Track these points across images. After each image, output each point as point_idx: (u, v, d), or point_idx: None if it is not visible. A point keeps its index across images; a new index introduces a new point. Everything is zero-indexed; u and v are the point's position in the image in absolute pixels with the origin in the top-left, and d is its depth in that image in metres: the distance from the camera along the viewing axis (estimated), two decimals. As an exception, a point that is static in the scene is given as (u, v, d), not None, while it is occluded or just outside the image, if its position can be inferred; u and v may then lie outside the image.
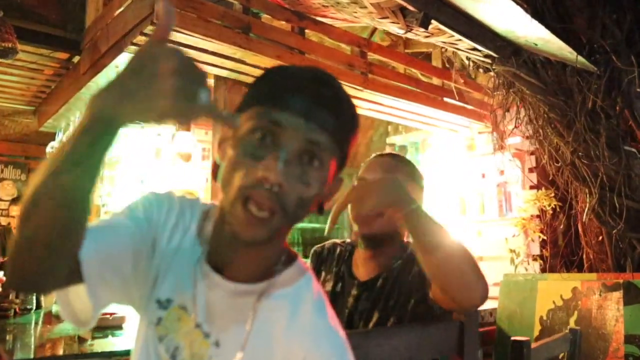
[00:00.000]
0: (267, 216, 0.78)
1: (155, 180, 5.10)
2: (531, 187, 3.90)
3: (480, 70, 2.90)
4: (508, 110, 3.02)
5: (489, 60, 2.64)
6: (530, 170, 3.90)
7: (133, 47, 2.76)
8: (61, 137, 4.39)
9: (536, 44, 2.29)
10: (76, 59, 3.65)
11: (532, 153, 3.89)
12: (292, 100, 0.80)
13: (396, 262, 1.55)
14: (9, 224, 4.57)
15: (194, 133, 2.41)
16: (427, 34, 2.47)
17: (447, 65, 3.85)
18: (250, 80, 3.22)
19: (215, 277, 0.87)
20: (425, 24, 2.24)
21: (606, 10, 2.36)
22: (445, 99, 3.83)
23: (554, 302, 2.87)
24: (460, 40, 2.52)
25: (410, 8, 2.25)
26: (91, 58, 3.32)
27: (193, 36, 2.63)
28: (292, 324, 0.86)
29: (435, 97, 3.77)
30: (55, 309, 2.80)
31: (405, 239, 1.65)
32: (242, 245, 0.84)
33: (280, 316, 0.86)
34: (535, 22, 1.97)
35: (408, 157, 4.72)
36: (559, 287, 2.88)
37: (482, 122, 4.13)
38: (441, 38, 2.55)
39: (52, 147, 4.50)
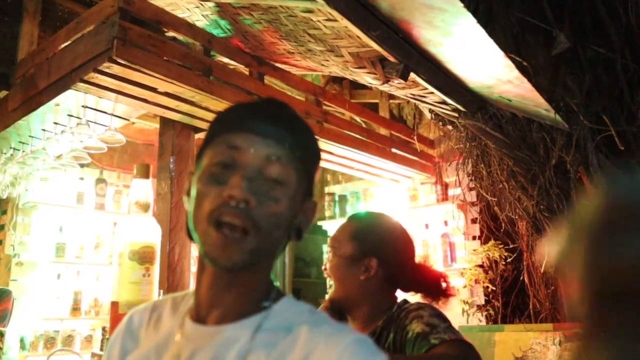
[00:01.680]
0: (240, 236, 0.77)
1: (75, 228, 4.71)
2: (473, 238, 3.98)
3: (440, 123, 2.93)
4: (464, 163, 3.06)
5: (455, 114, 2.67)
6: (473, 221, 3.98)
7: (82, 85, 2.54)
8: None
9: (510, 100, 2.35)
10: (3, 93, 3.31)
11: (473, 204, 3.99)
12: (246, 123, 0.82)
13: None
14: None
15: (152, 182, 2.22)
16: (403, 86, 2.47)
17: (396, 116, 3.91)
18: (202, 124, 3.07)
19: (198, 329, 0.83)
20: (404, 76, 2.23)
21: (567, 71, 2.47)
22: (393, 150, 3.86)
23: (513, 355, 2.87)
24: (431, 93, 2.53)
25: (391, 59, 2.23)
26: (24, 94, 3.02)
27: (153, 76, 2.47)
28: (295, 347, 0.78)
29: (384, 147, 3.78)
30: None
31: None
32: (224, 278, 0.82)
33: (279, 342, 0.79)
34: (521, 78, 2.01)
35: (348, 207, 4.72)
36: (517, 338, 2.89)
37: (425, 173, 4.19)
38: (412, 90, 2.56)
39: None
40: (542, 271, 2.93)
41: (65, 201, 4.60)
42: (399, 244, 1.61)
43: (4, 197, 3.88)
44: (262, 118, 0.82)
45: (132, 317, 0.94)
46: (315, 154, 0.90)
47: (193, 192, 0.83)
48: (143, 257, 2.09)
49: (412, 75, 2.30)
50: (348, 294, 1.54)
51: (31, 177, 3.72)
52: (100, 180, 4.82)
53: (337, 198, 4.71)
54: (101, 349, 2.69)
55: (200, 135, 3.28)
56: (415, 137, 4.14)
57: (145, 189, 2.21)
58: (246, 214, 0.77)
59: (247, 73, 2.94)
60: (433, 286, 1.61)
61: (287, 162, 0.81)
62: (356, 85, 4.31)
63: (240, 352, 0.78)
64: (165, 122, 3.12)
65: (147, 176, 2.23)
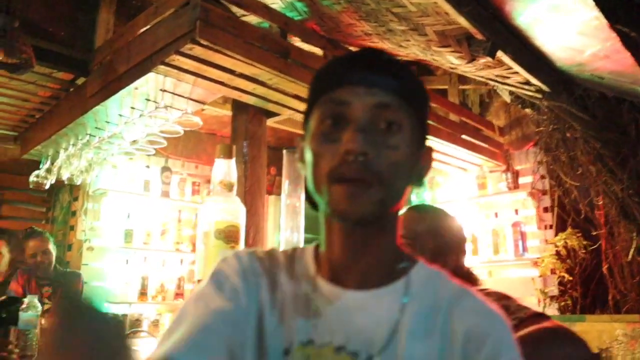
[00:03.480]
0: (364, 188, 0.74)
1: (142, 215, 4.82)
2: (546, 227, 3.86)
3: (520, 106, 2.84)
4: (556, 149, 2.94)
5: (538, 95, 2.58)
6: (546, 209, 3.86)
7: (163, 67, 2.57)
8: (48, 166, 4.07)
9: (602, 78, 2.24)
10: (80, 80, 3.40)
11: (544, 193, 3.86)
12: (348, 75, 0.79)
13: None
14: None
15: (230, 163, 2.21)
16: (485, 66, 2.39)
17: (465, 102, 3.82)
18: (276, 108, 3.07)
19: (339, 291, 0.80)
20: (492, 54, 2.16)
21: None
22: (463, 136, 3.77)
23: (597, 346, 2.76)
24: (514, 73, 2.45)
25: (478, 37, 2.16)
26: (102, 80, 3.08)
27: (233, 57, 2.47)
28: (441, 312, 0.78)
29: (454, 133, 3.70)
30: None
31: None
32: (354, 236, 0.79)
33: (423, 310, 0.78)
34: (623, 52, 1.91)
35: (413, 196, 4.65)
36: (601, 329, 2.78)
37: (494, 160, 4.09)
38: (495, 71, 2.48)
39: (36, 176, 4.16)
40: (628, 259, 2.79)
41: (132, 188, 4.71)
42: (464, 242, 1.66)
43: (78, 183, 3.98)
44: (364, 67, 0.79)
45: (240, 258, 0.86)
46: (424, 96, 0.85)
47: (308, 156, 0.80)
48: (229, 236, 2.09)
49: (498, 54, 2.22)
50: None
51: (105, 163, 3.80)
52: (165, 169, 4.91)
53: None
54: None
55: (274, 120, 3.29)
56: (482, 124, 4.04)
57: (228, 168, 2.21)
58: (366, 167, 0.74)
59: (321, 55, 2.92)
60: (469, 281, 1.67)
61: (397, 108, 0.77)
62: (424, 71, 4.23)
63: (391, 320, 0.77)
64: (238, 107, 3.14)
65: (230, 156, 2.23)
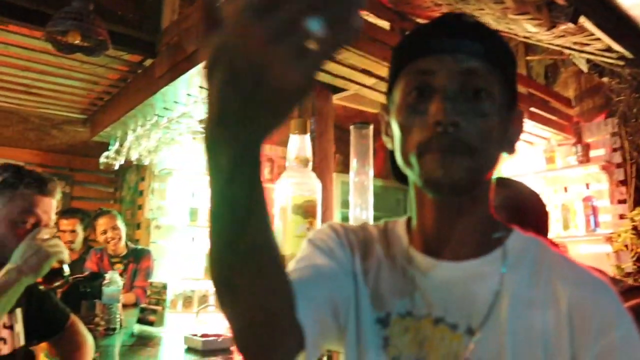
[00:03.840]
0: (455, 157, 0.72)
1: (206, 194, 4.89)
2: (619, 202, 3.72)
3: (597, 75, 2.72)
4: (636, 119, 2.82)
5: (620, 62, 2.47)
6: (619, 183, 3.72)
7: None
8: (117, 147, 4.19)
9: (693, 42, 2.12)
10: (148, 62, 3.46)
11: (618, 166, 3.72)
12: (430, 43, 0.76)
13: None
14: (57, 236, 4.34)
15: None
16: (560, 34, 2.30)
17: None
18: (342, 83, 3.05)
19: (434, 262, 0.79)
20: (574, 19, 2.07)
21: None
22: (532, 109, 3.66)
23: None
24: (596, 40, 2.34)
25: (560, 2, 2.07)
26: (170, 60, 3.13)
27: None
28: (542, 280, 0.75)
29: (521, 106, 3.59)
30: (136, 328, 2.61)
31: None
32: (448, 206, 0.77)
33: (523, 280, 0.76)
34: None
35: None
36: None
37: (563, 133, 3.96)
38: (574, 38, 2.38)
39: (106, 157, 4.29)
40: None
41: (197, 168, 4.80)
42: (547, 218, 1.58)
43: (146, 163, 4.09)
44: (447, 34, 0.76)
45: (335, 229, 0.89)
46: (511, 58, 0.81)
47: (395, 129, 0.79)
48: (306, 211, 2.10)
49: (580, 20, 2.13)
50: None
51: (172, 143, 3.88)
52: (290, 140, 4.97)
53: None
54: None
55: (339, 96, 3.27)
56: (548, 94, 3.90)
57: (303, 144, 2.21)
58: (456, 136, 0.72)
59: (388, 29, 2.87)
60: None
61: (484, 73, 0.74)
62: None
63: (491, 290, 0.75)
64: (303, 83, 3.14)
65: (304, 131, 2.23)
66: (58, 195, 1.66)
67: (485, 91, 0.74)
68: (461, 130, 0.72)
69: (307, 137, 2.24)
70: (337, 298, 0.80)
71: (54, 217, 1.66)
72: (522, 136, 2.89)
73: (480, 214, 0.80)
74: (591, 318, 0.69)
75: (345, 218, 3.05)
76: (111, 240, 3.83)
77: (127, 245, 3.97)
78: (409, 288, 0.80)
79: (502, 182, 1.66)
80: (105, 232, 3.85)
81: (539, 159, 4.12)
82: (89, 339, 1.86)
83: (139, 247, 4.26)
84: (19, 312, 1.67)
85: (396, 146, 0.79)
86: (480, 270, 0.77)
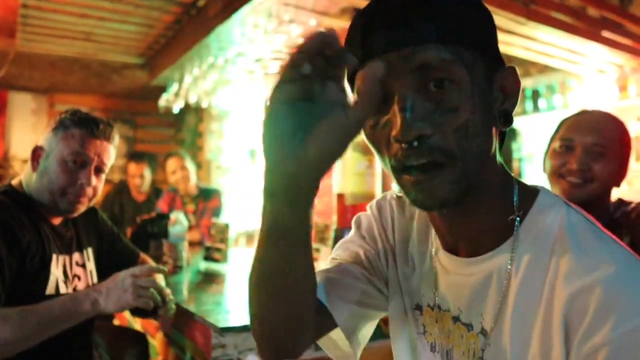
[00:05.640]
0: (435, 172, 0.63)
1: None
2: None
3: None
4: None
5: None
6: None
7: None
8: (176, 89, 4.24)
9: None
10: (201, 1, 3.43)
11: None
12: (371, 44, 0.64)
13: None
14: (125, 180, 4.52)
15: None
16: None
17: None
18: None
19: (451, 259, 0.75)
20: None
21: None
22: (604, 33, 3.41)
23: None
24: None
25: None
26: (224, -1, 3.09)
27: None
28: (549, 275, 0.64)
29: (594, 30, 3.36)
30: (202, 266, 2.70)
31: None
32: (450, 213, 0.70)
33: (529, 275, 0.66)
34: None
35: (542, 101, 4.37)
36: None
37: (639, 58, 3.69)
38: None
39: (166, 100, 4.37)
40: None
41: (252, 107, 4.82)
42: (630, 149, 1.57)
43: (205, 105, 4.14)
44: (385, 24, 0.63)
45: (381, 207, 0.90)
46: (477, 17, 0.67)
47: (368, 143, 0.70)
48: (366, 148, 2.06)
49: None
50: (607, 198, 1.52)
51: (229, 83, 3.89)
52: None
53: (528, 93, 4.37)
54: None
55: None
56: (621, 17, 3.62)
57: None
58: (428, 148, 0.62)
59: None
60: None
61: (442, 60, 0.62)
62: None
63: (498, 291, 0.69)
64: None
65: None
66: (114, 141, 1.66)
67: (447, 80, 0.63)
68: (432, 138, 0.62)
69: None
70: (375, 282, 0.85)
71: (110, 162, 1.66)
72: (592, 63, 2.70)
73: (488, 205, 0.70)
74: (585, 314, 0.58)
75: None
76: (181, 181, 3.94)
77: (198, 185, 4.09)
78: (433, 282, 0.78)
79: (607, 114, 1.58)
80: (174, 172, 3.97)
81: (611, 88, 3.88)
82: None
83: (209, 187, 4.37)
84: (90, 251, 1.76)
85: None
86: (490, 267, 0.70)
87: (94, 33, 3.99)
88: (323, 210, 5.02)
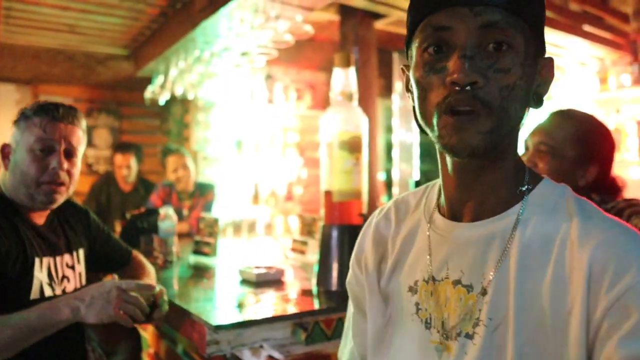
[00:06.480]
0: (473, 119, 0.69)
1: (250, 124, 4.97)
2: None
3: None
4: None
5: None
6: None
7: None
8: (161, 81, 4.24)
9: None
10: (188, -5, 3.43)
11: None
12: None
13: None
14: (111, 171, 4.52)
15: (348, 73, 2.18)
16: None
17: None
18: (383, 9, 2.97)
19: (452, 225, 0.80)
20: None
21: None
22: (585, 27, 3.49)
23: None
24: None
25: None
26: (210, -7, 3.10)
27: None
28: (557, 241, 0.71)
29: (574, 24, 3.42)
30: (192, 259, 2.73)
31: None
32: (469, 167, 0.76)
33: (535, 239, 0.73)
34: None
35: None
36: None
37: (619, 51, 3.77)
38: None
39: (152, 92, 4.36)
40: None
41: (238, 98, 4.84)
42: (613, 151, 1.56)
43: (191, 97, 4.14)
44: None
45: (378, 222, 0.94)
46: (538, 3, 0.74)
47: (414, 87, 0.76)
48: (352, 147, 2.10)
49: None
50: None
51: (214, 76, 3.90)
52: (268, 77, 4.98)
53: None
54: (303, 234, 2.86)
55: (381, 22, 3.19)
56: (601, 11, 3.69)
57: (347, 78, 2.18)
58: (475, 96, 0.69)
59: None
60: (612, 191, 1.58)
61: (506, 24, 0.69)
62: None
63: (501, 249, 0.74)
64: (345, 11, 3.07)
65: (348, 65, 2.20)
66: (80, 124, 1.62)
67: (506, 44, 0.70)
68: (480, 90, 0.69)
69: (351, 71, 2.21)
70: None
71: (80, 145, 1.63)
72: (574, 57, 2.76)
73: (503, 172, 0.77)
74: (606, 273, 0.65)
75: (388, 143, 3.04)
76: (182, 179, 3.95)
77: (194, 181, 4.10)
78: (430, 253, 0.82)
79: (567, 114, 1.60)
80: (175, 170, 3.97)
81: (591, 81, 3.96)
82: (151, 268, 1.97)
83: (205, 182, 4.38)
84: (81, 252, 1.75)
85: (415, 104, 0.78)
86: (493, 229, 0.76)
87: (78, 25, 3.97)
88: (309, 200, 5.09)
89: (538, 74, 0.75)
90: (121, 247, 1.95)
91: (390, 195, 2.94)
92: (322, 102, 5.47)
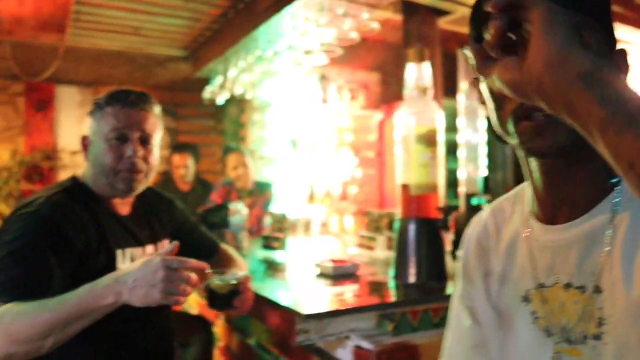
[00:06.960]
0: (550, 121, 0.68)
1: (305, 124, 5.00)
2: None
3: None
4: None
5: None
6: None
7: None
8: (220, 81, 4.31)
9: None
10: (249, -4, 3.49)
11: None
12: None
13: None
14: (169, 171, 4.62)
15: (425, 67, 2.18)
16: None
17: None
18: (447, 5, 2.95)
19: (550, 230, 0.80)
20: None
21: None
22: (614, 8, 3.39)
23: None
24: None
25: None
26: (275, -7, 3.14)
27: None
28: None
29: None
30: (261, 254, 2.78)
31: None
32: (555, 167, 0.75)
33: (634, 228, 0.71)
34: None
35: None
36: None
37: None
38: None
39: (211, 92, 4.45)
40: None
41: (293, 98, 4.88)
42: None
43: (250, 97, 4.21)
44: None
45: (479, 236, 0.95)
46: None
47: (487, 96, 0.75)
48: (429, 141, 2.11)
49: None
50: None
51: (275, 75, 3.95)
52: (322, 77, 5.01)
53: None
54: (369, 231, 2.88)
55: (445, 19, 3.18)
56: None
57: (421, 72, 2.18)
58: None
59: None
60: None
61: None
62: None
63: (603, 244, 0.73)
64: (408, 9, 3.07)
65: (422, 60, 2.19)
66: (153, 109, 1.62)
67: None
68: None
69: (425, 65, 2.21)
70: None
71: (156, 132, 1.63)
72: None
73: (590, 165, 0.76)
74: None
75: (451, 141, 3.00)
76: (242, 177, 4.02)
77: (253, 179, 4.18)
78: (534, 260, 0.82)
79: None
80: (235, 168, 4.04)
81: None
82: (243, 260, 1.98)
83: (264, 181, 4.45)
84: (166, 243, 1.76)
85: (490, 113, 0.77)
86: (592, 226, 0.76)
87: (142, 27, 4.08)
88: (363, 199, 5.10)
89: (611, 59, 0.75)
90: (209, 238, 1.97)
91: (455, 194, 2.92)
92: (375, 102, 5.47)
